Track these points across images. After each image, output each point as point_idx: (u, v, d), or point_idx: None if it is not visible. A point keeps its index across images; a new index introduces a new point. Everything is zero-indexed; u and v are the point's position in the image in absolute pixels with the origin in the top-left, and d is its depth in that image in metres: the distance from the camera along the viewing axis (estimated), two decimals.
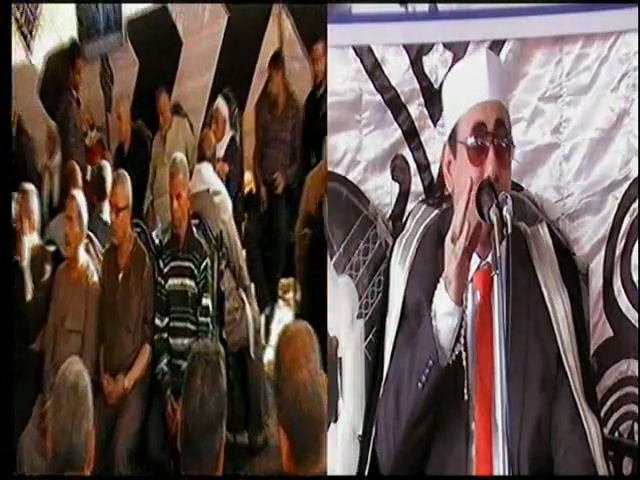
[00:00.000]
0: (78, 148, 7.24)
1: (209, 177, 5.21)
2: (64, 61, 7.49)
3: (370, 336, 3.07)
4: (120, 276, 4.49)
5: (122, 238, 4.50)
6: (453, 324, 2.63)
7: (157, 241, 4.76)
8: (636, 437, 3.26)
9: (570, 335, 2.80)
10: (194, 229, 4.54)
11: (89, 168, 6.72)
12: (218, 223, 4.81)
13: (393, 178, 3.24)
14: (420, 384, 2.65)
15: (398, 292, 2.85)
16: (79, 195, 4.69)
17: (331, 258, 3.12)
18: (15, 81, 4.63)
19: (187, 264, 4.45)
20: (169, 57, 7.25)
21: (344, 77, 3.22)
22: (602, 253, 3.27)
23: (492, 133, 2.70)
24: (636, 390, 3.24)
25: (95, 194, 5.51)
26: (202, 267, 4.45)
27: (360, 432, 3.02)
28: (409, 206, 3.21)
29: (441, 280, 2.65)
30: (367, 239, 3.12)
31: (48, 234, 5.29)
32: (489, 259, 2.69)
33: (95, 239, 4.90)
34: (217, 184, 5.22)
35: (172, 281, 4.47)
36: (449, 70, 3.06)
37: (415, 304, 2.79)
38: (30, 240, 4.87)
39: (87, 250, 4.71)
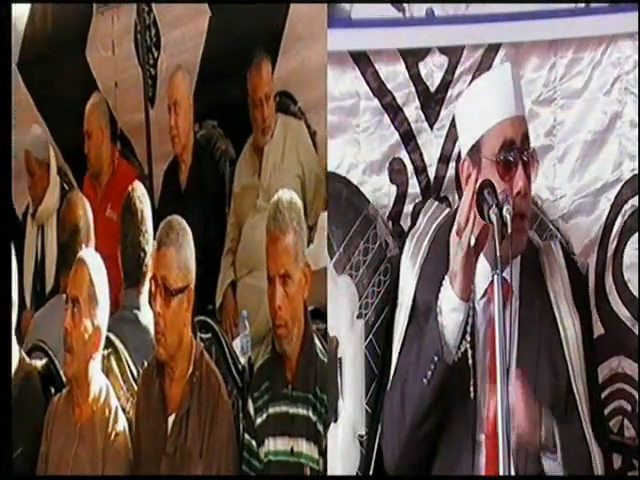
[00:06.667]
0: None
1: None
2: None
3: (370, 336, 3.11)
4: (170, 422, 2.70)
5: (175, 349, 2.73)
6: (459, 320, 2.66)
7: (243, 360, 2.98)
8: (626, 432, 3.36)
9: (580, 359, 2.84)
10: (317, 341, 2.78)
11: (108, 209, 4.16)
12: None
13: (391, 180, 3.29)
14: (425, 380, 2.68)
15: (408, 289, 2.91)
16: (92, 259, 2.84)
17: (331, 258, 3.16)
18: None
19: (303, 412, 2.72)
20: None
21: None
22: (594, 254, 3.35)
23: (521, 148, 2.77)
24: (626, 387, 3.35)
25: (124, 263, 3.31)
26: None
27: (360, 432, 3.06)
28: (406, 207, 3.27)
29: (447, 276, 2.69)
30: (367, 239, 3.15)
31: (34, 334, 3.18)
32: (505, 274, 2.68)
33: (123, 349, 2.99)
34: None
35: (273, 443, 2.74)
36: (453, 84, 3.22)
37: (425, 303, 2.82)
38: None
39: (106, 370, 2.91)
